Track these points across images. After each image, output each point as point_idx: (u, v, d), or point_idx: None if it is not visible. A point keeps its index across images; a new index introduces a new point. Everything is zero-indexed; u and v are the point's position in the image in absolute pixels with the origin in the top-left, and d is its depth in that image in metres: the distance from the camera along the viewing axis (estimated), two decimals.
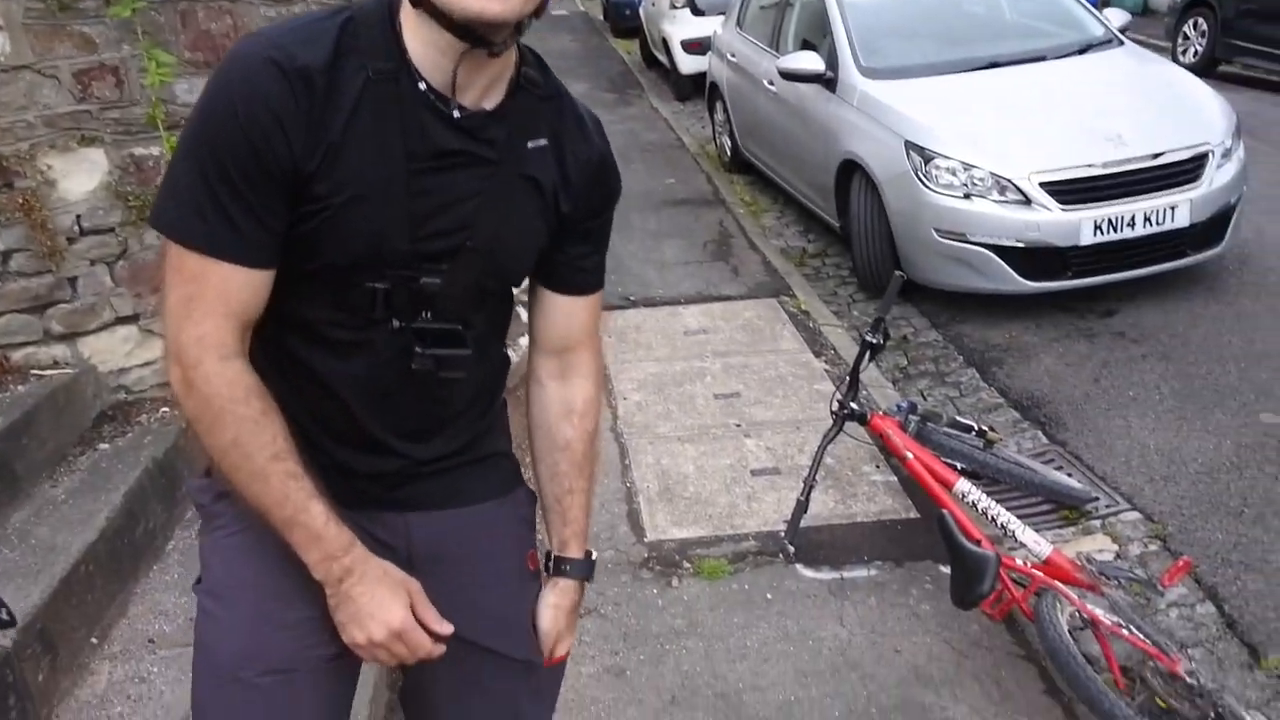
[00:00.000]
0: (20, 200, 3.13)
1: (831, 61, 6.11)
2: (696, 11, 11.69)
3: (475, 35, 1.18)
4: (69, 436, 3.23)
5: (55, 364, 3.35)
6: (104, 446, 3.24)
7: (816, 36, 6.67)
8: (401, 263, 1.28)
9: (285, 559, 1.32)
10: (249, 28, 3.61)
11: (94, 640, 2.68)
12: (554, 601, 1.56)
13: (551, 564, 1.59)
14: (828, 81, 6.08)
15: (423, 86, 1.24)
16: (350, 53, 1.22)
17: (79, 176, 3.26)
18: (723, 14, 9.41)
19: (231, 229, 1.20)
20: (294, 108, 1.18)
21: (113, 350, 3.45)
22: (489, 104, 1.29)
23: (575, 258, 1.48)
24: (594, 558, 1.61)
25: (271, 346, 1.34)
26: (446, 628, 1.39)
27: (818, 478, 3.34)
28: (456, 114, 1.26)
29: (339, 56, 1.22)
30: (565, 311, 1.52)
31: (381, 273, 1.28)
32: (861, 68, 5.94)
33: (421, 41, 1.23)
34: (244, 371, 1.26)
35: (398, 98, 1.23)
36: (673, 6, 12.08)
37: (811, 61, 6.15)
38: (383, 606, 1.33)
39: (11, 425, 2.93)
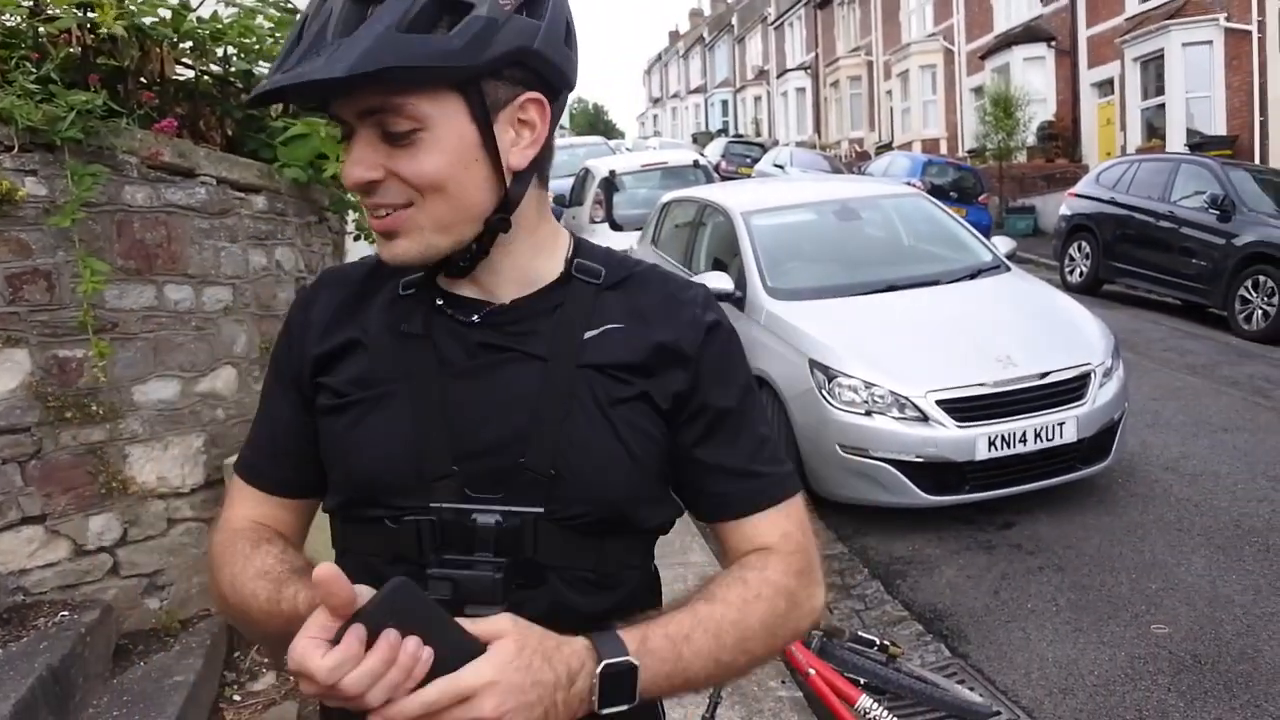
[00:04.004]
0: None
1: (740, 281, 6.45)
2: (615, 227, 12.16)
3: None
4: None
5: None
6: None
7: (727, 256, 7.05)
8: (448, 492, 1.14)
9: None
10: (183, 238, 3.74)
11: None
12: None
13: None
14: (736, 300, 6.38)
15: (439, 301, 1.21)
16: (391, 271, 1.23)
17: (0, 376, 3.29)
18: (640, 229, 9.85)
19: (255, 450, 1.31)
20: (318, 310, 1.25)
21: (15, 551, 3.38)
22: (519, 293, 1.21)
23: (722, 465, 1.23)
24: (634, 669, 1.04)
25: None
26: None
27: (723, 694, 3.35)
28: (476, 318, 1.19)
29: (378, 269, 1.25)
30: (744, 539, 1.25)
31: (425, 503, 1.13)
32: (768, 288, 6.28)
33: None
34: (242, 530, 1.26)
35: (421, 304, 1.21)
36: (592, 221, 12.57)
37: (721, 281, 6.47)
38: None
39: None
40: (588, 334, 1.19)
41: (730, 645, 1.13)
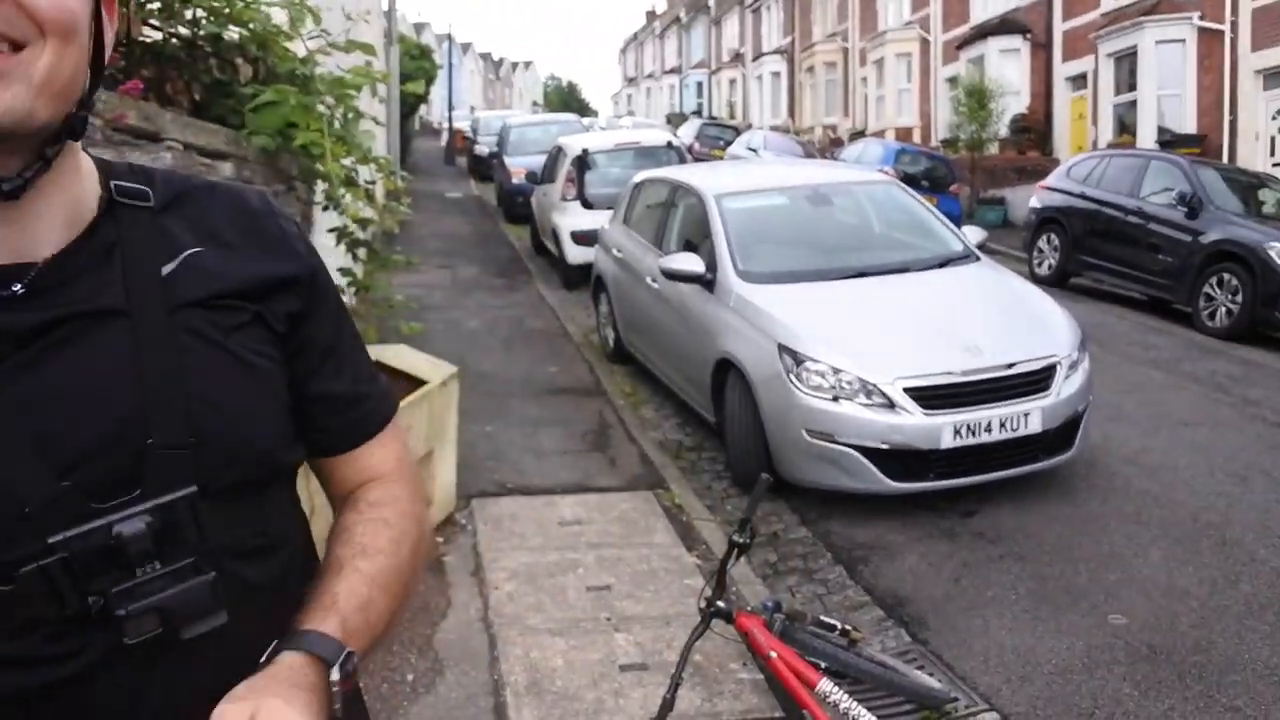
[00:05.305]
0: None
1: (711, 263, 6.41)
2: (586, 205, 12.04)
3: None
4: None
5: None
6: None
7: (698, 238, 7.01)
8: (67, 515, 0.88)
9: None
10: None
11: None
12: (240, 691, 0.89)
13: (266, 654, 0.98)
14: (707, 282, 6.35)
15: None
16: None
17: None
18: (611, 209, 9.79)
19: None
20: None
21: None
22: (64, 240, 0.95)
23: (336, 394, 1.12)
24: (352, 655, 0.98)
25: None
26: None
27: (685, 675, 3.35)
28: (18, 287, 0.91)
29: None
30: (360, 470, 1.16)
31: (42, 542, 0.86)
32: (739, 271, 6.25)
33: None
34: None
35: None
36: (563, 199, 12.48)
37: (692, 263, 6.45)
38: None
39: None
40: (165, 268, 0.98)
41: (397, 592, 1.10)
